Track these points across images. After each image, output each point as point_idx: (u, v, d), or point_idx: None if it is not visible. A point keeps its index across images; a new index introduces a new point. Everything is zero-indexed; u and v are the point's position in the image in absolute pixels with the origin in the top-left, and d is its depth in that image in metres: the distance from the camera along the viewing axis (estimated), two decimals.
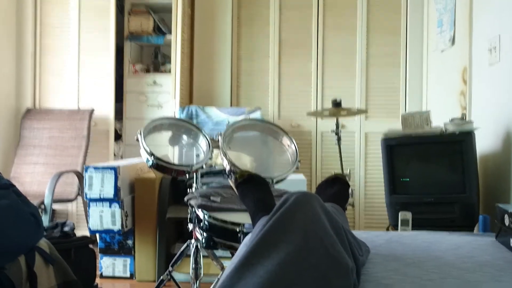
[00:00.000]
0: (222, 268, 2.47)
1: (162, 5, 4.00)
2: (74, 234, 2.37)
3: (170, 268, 2.38)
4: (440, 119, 2.70)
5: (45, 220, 2.92)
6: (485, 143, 2.51)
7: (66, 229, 2.35)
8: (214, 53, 4.00)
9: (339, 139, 2.81)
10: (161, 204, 2.85)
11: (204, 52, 4.02)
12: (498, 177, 2.40)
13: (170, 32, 3.86)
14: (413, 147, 2.52)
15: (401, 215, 2.27)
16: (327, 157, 3.85)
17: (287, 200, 1.19)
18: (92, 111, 3.71)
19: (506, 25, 2.32)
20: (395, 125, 3.09)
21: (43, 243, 1.93)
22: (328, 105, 3.18)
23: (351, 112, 3.04)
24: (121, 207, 2.67)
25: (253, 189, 1.80)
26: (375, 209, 3.80)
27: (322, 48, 3.89)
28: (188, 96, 4.01)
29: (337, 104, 2.75)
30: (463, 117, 2.57)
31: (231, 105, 3.96)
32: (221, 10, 3.98)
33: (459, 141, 2.38)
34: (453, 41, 3.05)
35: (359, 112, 3.38)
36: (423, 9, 3.75)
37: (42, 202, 3.06)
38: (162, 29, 4.01)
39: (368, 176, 3.84)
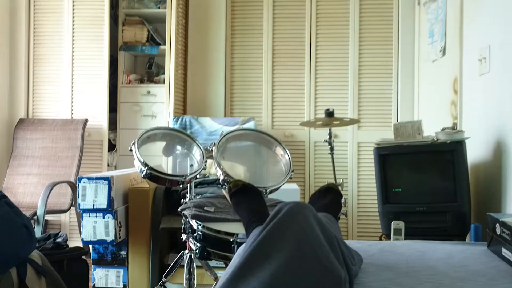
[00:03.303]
0: (216, 279, 2.47)
1: (156, 15, 4.02)
2: (67, 245, 2.36)
3: (163, 279, 2.37)
4: (432, 128, 2.73)
5: (38, 232, 2.90)
6: (476, 152, 2.54)
7: (58, 240, 2.34)
8: (208, 63, 4.02)
9: (332, 149, 2.83)
10: (154, 215, 2.85)
11: (198, 62, 4.04)
12: (489, 186, 2.42)
13: (164, 43, 3.88)
14: (405, 156, 2.53)
15: (394, 224, 2.28)
16: (320, 166, 3.87)
17: (280, 211, 1.20)
18: (85, 121, 3.71)
19: (495, 35, 2.35)
20: (387, 135, 3.11)
21: (35, 255, 1.92)
22: (321, 114, 3.20)
23: (343, 122, 3.05)
24: (115, 217, 2.66)
25: (247, 199, 1.80)
26: (368, 218, 3.81)
27: (315, 58, 3.93)
28: (182, 106, 4.02)
29: (329, 114, 2.77)
30: (454, 127, 2.59)
31: (224, 115, 3.98)
32: (215, 21, 4.00)
33: (450, 151, 2.40)
34: (444, 51, 3.08)
35: (351, 122, 3.40)
36: (414, 19, 3.80)
37: (35, 213, 3.04)
38: (156, 39, 4.02)
39: (361, 186, 3.85)
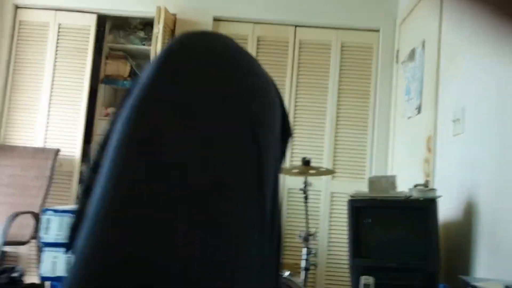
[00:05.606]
0: None
1: (141, 51, 4.04)
2: (22, 282, 2.25)
3: None
4: (405, 183, 2.75)
5: None
6: (447, 211, 2.56)
7: (14, 275, 2.23)
8: None
9: (306, 198, 2.81)
10: None
11: None
12: (459, 246, 2.43)
13: None
14: (379, 210, 2.54)
15: (363, 279, 2.25)
16: (292, 214, 3.84)
17: None
18: (57, 151, 3.63)
19: (470, 98, 2.42)
20: (360, 187, 3.13)
21: None
22: (296, 162, 3.21)
23: (319, 172, 3.06)
24: None
25: None
26: (337, 271, 3.75)
27: (294, 106, 3.97)
28: None
29: (306, 162, 2.77)
30: (426, 184, 2.62)
31: None
32: None
33: (423, 208, 2.41)
34: (419, 109, 3.16)
35: (328, 172, 3.41)
36: (392, 76, 3.91)
37: None
38: (138, 75, 4.02)
39: (332, 237, 3.82)
